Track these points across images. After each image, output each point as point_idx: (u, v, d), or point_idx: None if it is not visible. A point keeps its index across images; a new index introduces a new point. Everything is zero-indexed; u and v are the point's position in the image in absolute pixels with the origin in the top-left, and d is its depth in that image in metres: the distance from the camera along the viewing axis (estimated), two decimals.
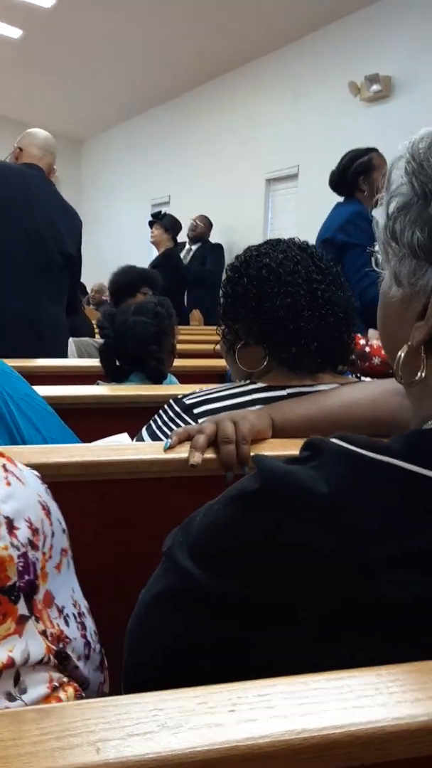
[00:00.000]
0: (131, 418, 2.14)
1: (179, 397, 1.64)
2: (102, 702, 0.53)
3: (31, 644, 0.69)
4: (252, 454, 1.37)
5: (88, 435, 1.70)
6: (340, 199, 4.37)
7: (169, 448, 1.38)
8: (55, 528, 0.78)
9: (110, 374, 2.51)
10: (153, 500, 1.43)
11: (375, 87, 7.15)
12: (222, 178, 9.93)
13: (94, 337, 4.29)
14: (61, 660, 0.75)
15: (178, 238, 7.86)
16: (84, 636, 0.80)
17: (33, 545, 0.71)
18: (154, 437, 1.60)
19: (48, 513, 0.77)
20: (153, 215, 7.75)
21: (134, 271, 3.84)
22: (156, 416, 1.65)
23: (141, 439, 1.63)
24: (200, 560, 0.80)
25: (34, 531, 0.72)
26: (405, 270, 0.84)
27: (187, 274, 7.83)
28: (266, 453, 1.38)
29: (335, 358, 1.63)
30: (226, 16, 8.08)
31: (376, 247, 0.91)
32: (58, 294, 3.64)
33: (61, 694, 0.72)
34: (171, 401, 1.64)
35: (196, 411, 1.58)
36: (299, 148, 8.49)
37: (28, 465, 1.27)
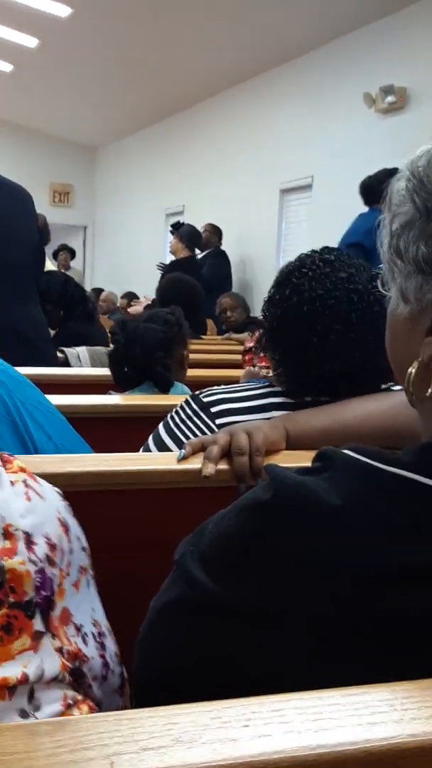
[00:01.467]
0: (144, 427, 2.14)
1: (196, 394, 1.64)
2: (115, 715, 0.53)
3: (47, 661, 0.68)
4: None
5: (100, 444, 1.70)
6: (356, 209, 4.40)
7: (182, 459, 1.38)
8: (74, 545, 0.78)
9: (119, 380, 2.52)
10: (166, 510, 1.43)
11: (390, 98, 7.16)
12: (236, 188, 9.95)
13: (108, 346, 4.30)
14: (75, 678, 0.75)
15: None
16: (102, 656, 0.79)
17: (50, 561, 0.71)
18: (171, 434, 1.60)
19: (67, 530, 0.77)
20: (172, 225, 7.81)
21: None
22: (173, 413, 1.66)
23: (158, 436, 1.64)
24: (211, 569, 0.80)
25: (52, 547, 0.72)
26: (411, 286, 0.84)
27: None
28: (281, 464, 1.38)
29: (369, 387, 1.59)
30: (241, 27, 8.10)
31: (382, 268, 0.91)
32: (27, 292, 3.42)
33: (75, 712, 0.72)
34: (188, 398, 1.64)
35: (213, 410, 1.58)
36: (313, 159, 8.50)
37: (42, 474, 1.27)
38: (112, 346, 2.52)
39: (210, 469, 1.34)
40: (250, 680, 0.74)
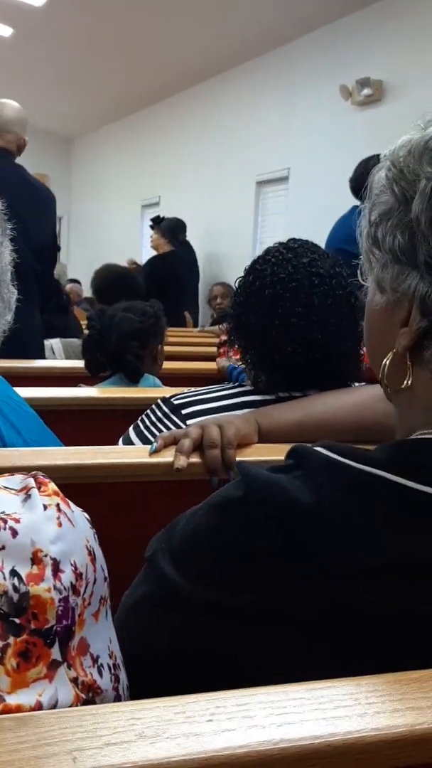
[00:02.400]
0: (115, 420, 2.14)
1: (167, 397, 1.63)
2: (79, 711, 0.53)
3: (61, 691, 0.67)
4: (238, 459, 1.37)
5: (70, 437, 1.70)
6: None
7: (154, 452, 1.38)
8: (98, 575, 0.76)
9: (90, 367, 2.51)
10: (138, 504, 1.43)
11: (366, 91, 7.17)
12: (212, 180, 9.93)
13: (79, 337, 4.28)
14: None
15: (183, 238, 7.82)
16: (116, 689, 0.78)
17: (75, 590, 0.70)
18: (141, 437, 1.60)
19: (93, 559, 0.76)
20: (152, 219, 7.71)
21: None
22: (144, 416, 1.65)
23: (128, 439, 1.63)
24: (182, 566, 0.80)
25: (78, 576, 0.71)
26: (388, 276, 0.84)
27: (174, 278, 7.77)
28: (252, 458, 1.38)
29: (323, 384, 1.60)
30: (218, 18, 8.08)
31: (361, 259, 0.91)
32: (29, 293, 3.48)
33: None
34: (159, 401, 1.64)
35: (184, 411, 1.58)
36: (290, 151, 8.50)
37: (11, 467, 1.27)
38: (86, 332, 2.51)
39: (182, 461, 1.34)
40: (221, 676, 0.74)
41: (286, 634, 0.73)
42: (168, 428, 1.57)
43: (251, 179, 9.15)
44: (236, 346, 1.66)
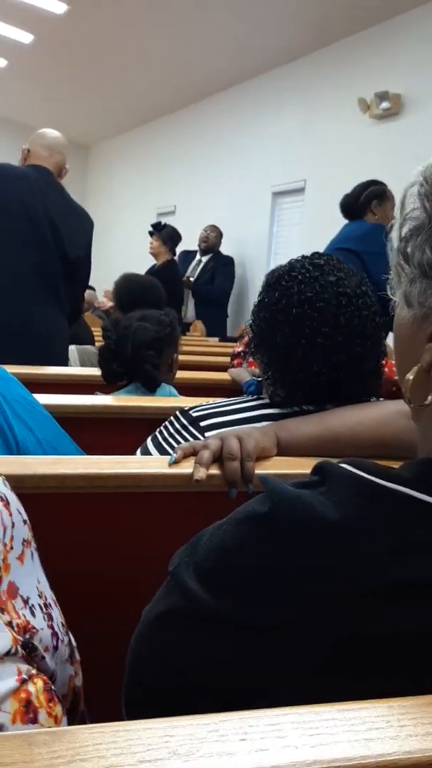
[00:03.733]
0: (131, 429, 2.14)
1: (186, 409, 1.63)
2: (113, 727, 0.53)
3: None
4: (257, 472, 1.37)
5: (86, 445, 1.70)
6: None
7: (174, 463, 1.38)
8: (15, 519, 0.77)
9: (107, 377, 2.51)
10: (156, 514, 1.43)
11: (384, 104, 7.17)
12: (228, 190, 9.94)
13: (93, 344, 4.29)
14: (28, 651, 0.74)
15: (177, 249, 7.81)
16: (51, 627, 0.79)
17: None
18: (160, 449, 1.60)
19: (7, 504, 0.76)
20: (153, 225, 7.69)
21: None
22: (162, 428, 1.65)
23: (146, 450, 1.63)
24: (206, 581, 0.80)
25: None
26: (415, 290, 0.83)
27: (182, 288, 7.78)
28: (271, 471, 1.38)
29: (344, 401, 1.59)
30: (236, 29, 8.10)
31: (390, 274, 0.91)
32: (59, 301, 3.62)
33: (30, 687, 0.71)
34: (177, 413, 1.64)
35: (202, 424, 1.58)
36: (306, 163, 8.51)
37: (32, 476, 1.28)
38: (103, 342, 2.51)
39: (201, 473, 1.34)
40: (246, 693, 0.74)
41: (310, 651, 0.73)
42: (186, 440, 1.57)
43: (267, 190, 9.15)
44: (257, 360, 1.65)
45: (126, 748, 0.51)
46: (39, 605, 0.77)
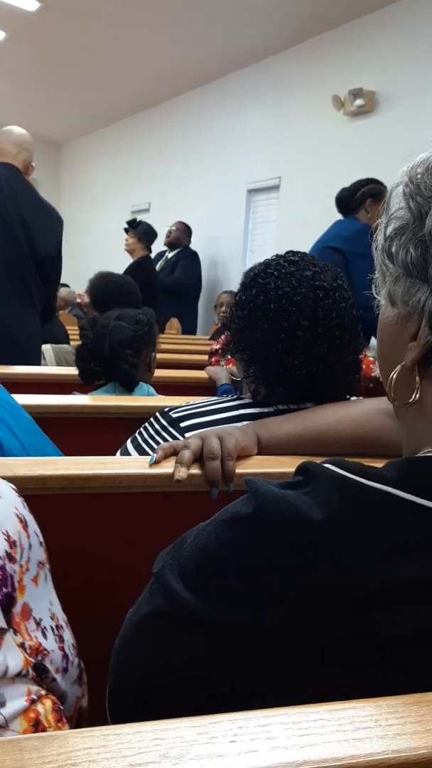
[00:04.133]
0: (109, 429, 2.14)
1: (166, 410, 1.63)
2: (102, 731, 0.53)
3: (10, 657, 0.68)
4: (239, 471, 1.37)
5: (64, 445, 1.69)
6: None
7: (154, 463, 1.38)
8: (32, 541, 0.77)
9: (84, 376, 2.51)
10: (138, 514, 1.43)
11: (358, 101, 7.19)
12: (203, 187, 9.94)
13: (68, 343, 4.27)
14: (39, 673, 0.75)
15: (153, 247, 7.80)
16: (62, 649, 0.79)
17: (11, 558, 0.71)
18: (140, 450, 1.59)
19: (25, 525, 0.77)
20: (128, 222, 7.68)
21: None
22: (142, 429, 1.65)
23: (126, 451, 1.63)
24: (190, 583, 0.80)
25: (12, 544, 0.72)
26: (399, 289, 0.84)
27: (153, 283, 7.78)
28: (252, 470, 1.39)
29: (334, 387, 1.61)
30: (211, 26, 8.09)
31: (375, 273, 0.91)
32: (33, 302, 3.61)
33: (39, 707, 0.72)
34: (157, 414, 1.63)
35: (183, 425, 1.57)
36: (281, 160, 8.52)
37: (13, 477, 1.27)
38: (80, 342, 2.50)
39: (182, 473, 1.34)
40: (231, 694, 0.74)
41: (296, 652, 0.73)
42: (167, 441, 1.56)
43: (242, 187, 9.16)
44: (236, 358, 1.66)
45: (116, 752, 0.51)
46: (51, 627, 0.77)
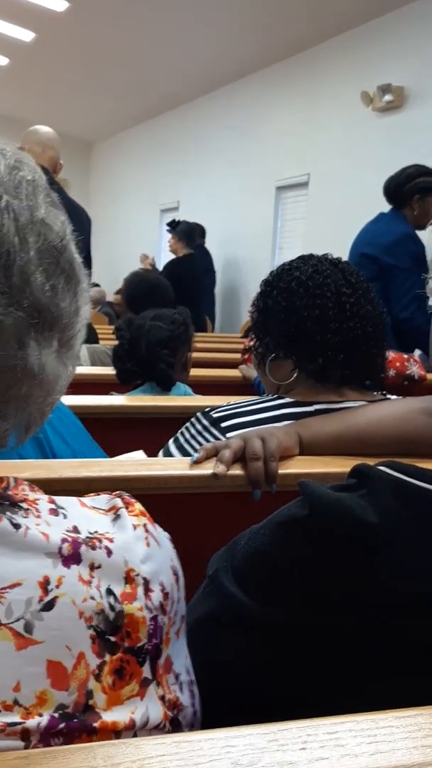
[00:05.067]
0: (148, 429, 2.14)
1: (207, 410, 1.63)
2: (174, 738, 0.53)
3: (151, 708, 0.68)
4: (281, 472, 1.37)
5: (104, 445, 1.70)
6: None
7: (196, 462, 1.38)
8: (181, 594, 0.78)
9: (122, 376, 2.52)
10: (181, 515, 1.43)
11: (387, 97, 7.16)
12: (232, 185, 9.93)
13: (97, 342, 4.27)
14: (173, 727, 0.75)
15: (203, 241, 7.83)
16: (193, 705, 0.79)
17: (163, 609, 0.71)
18: (182, 450, 1.60)
19: (177, 579, 0.77)
20: (168, 224, 7.72)
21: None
22: (183, 429, 1.65)
23: (168, 452, 1.63)
24: (246, 585, 0.80)
25: (166, 595, 0.72)
26: None
27: (192, 281, 7.77)
28: (294, 471, 1.38)
29: (362, 371, 1.64)
30: (240, 24, 8.08)
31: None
32: None
33: None
34: (199, 415, 1.64)
35: (224, 424, 1.58)
36: (310, 157, 8.50)
37: (59, 479, 1.28)
38: (116, 342, 2.51)
39: (221, 468, 1.34)
40: (286, 697, 0.74)
41: (352, 656, 0.73)
42: (208, 441, 1.57)
43: (271, 184, 9.15)
44: (280, 359, 1.67)
45: (188, 759, 0.51)
46: (186, 682, 0.77)
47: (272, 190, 9.16)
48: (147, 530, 0.74)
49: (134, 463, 1.39)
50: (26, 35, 9.54)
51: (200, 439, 1.58)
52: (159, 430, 1.86)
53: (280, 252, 9.03)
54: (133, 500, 0.77)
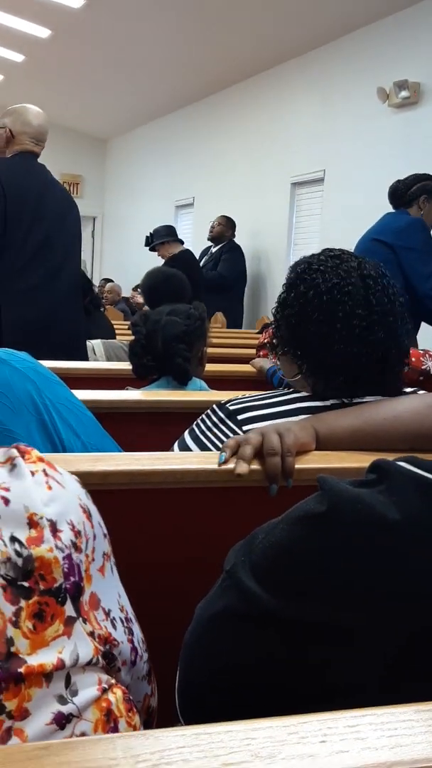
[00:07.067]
0: (164, 423, 2.14)
1: (222, 402, 1.63)
2: (194, 730, 0.53)
3: (80, 645, 0.70)
4: (297, 467, 1.37)
5: (120, 440, 1.70)
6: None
7: (224, 462, 1.37)
8: (96, 531, 0.79)
9: (138, 371, 2.52)
10: (198, 510, 1.43)
11: (403, 93, 7.12)
12: (247, 181, 9.91)
13: (114, 338, 4.29)
14: (108, 661, 0.76)
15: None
16: (131, 641, 0.80)
17: (76, 547, 0.73)
18: (198, 442, 1.60)
19: (89, 516, 0.78)
20: (146, 245, 7.96)
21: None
22: (199, 421, 1.65)
23: (184, 444, 1.63)
24: (263, 580, 0.80)
25: (77, 533, 0.74)
26: None
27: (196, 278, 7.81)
28: (310, 466, 1.38)
29: (370, 390, 1.60)
30: (254, 19, 8.06)
31: None
32: (77, 296, 3.69)
33: (111, 696, 0.72)
34: (214, 407, 1.64)
35: (240, 417, 1.57)
36: (326, 153, 8.47)
37: (75, 473, 1.28)
38: (133, 337, 2.52)
39: (243, 468, 1.34)
40: (303, 692, 0.74)
41: (372, 652, 0.73)
42: (224, 433, 1.57)
43: (286, 180, 9.12)
44: (288, 359, 1.65)
45: (209, 751, 0.51)
46: (120, 619, 0.79)
47: (287, 185, 9.13)
48: (47, 474, 0.76)
49: (151, 457, 1.39)
50: (42, 32, 9.56)
51: (216, 431, 1.58)
52: (175, 425, 1.86)
53: (295, 248, 8.99)
54: (29, 448, 0.79)
